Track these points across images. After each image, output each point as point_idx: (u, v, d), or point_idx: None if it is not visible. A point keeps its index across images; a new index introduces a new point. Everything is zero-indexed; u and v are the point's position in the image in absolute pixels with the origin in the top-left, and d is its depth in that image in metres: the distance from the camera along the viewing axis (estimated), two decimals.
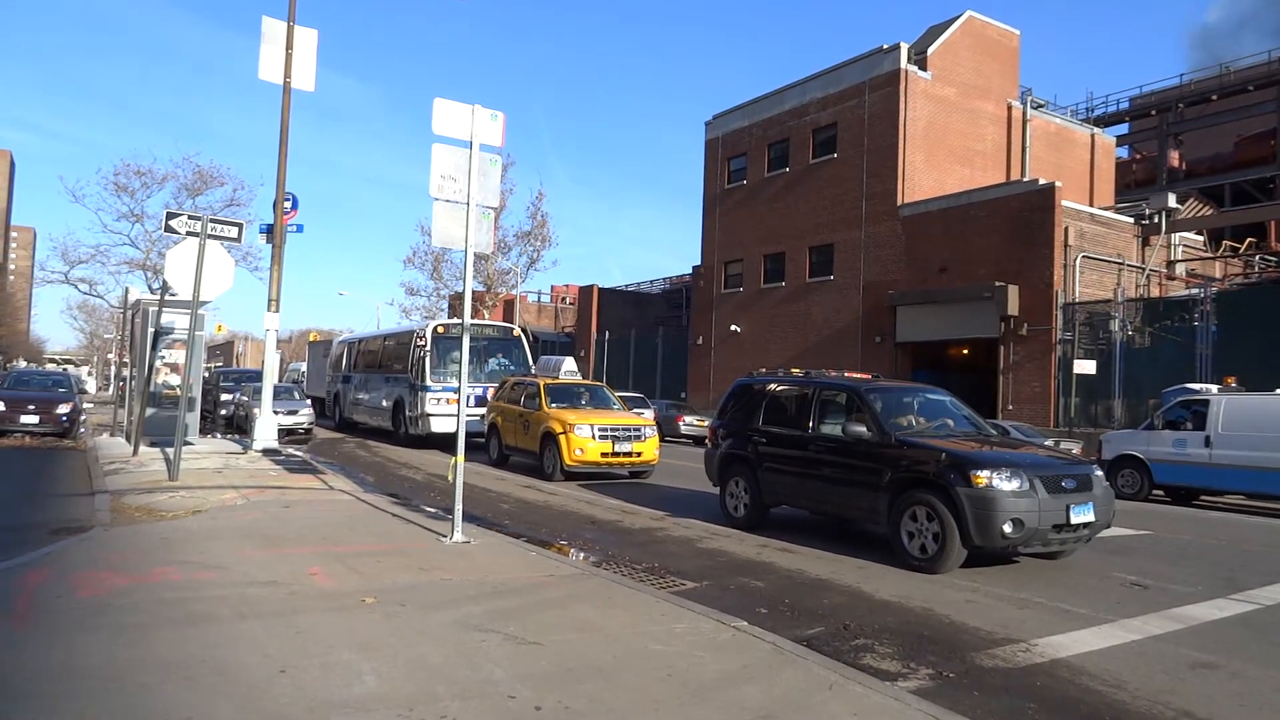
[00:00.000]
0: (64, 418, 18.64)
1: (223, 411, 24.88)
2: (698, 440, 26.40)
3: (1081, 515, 7.82)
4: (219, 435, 20.57)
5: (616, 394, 18.55)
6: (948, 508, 7.74)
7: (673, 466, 17.58)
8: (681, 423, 28.60)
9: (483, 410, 18.33)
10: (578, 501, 12.51)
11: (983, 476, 7.61)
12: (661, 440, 17.21)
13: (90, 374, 73.86)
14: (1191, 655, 5.63)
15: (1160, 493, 15.77)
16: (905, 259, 28.56)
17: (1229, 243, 32.36)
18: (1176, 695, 4.85)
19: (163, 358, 15.74)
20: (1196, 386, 17.07)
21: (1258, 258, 31.77)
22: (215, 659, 4.41)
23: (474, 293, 37.92)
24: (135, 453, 13.97)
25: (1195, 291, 23.62)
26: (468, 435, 8.67)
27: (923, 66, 29.85)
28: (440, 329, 20.89)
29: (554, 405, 15.73)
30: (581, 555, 8.52)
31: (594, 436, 14.74)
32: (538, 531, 9.77)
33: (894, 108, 29.27)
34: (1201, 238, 30.99)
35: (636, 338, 42.89)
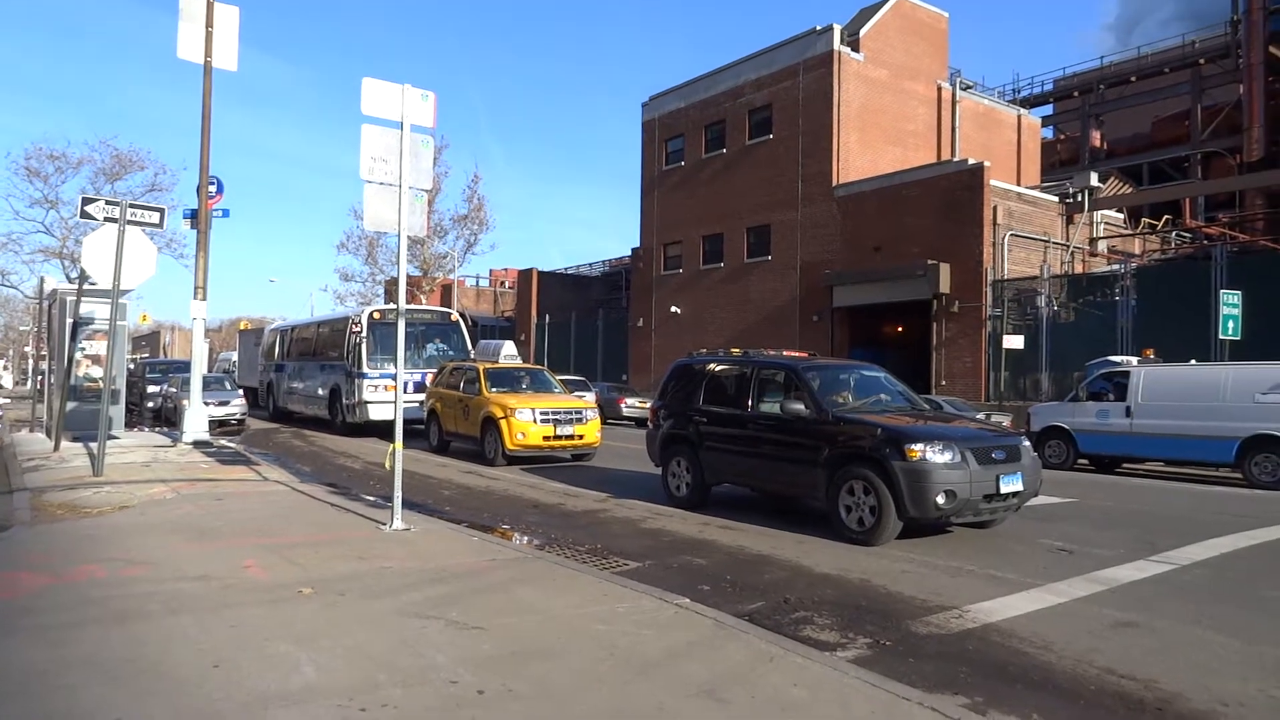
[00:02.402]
0: None
1: (150, 404, 24.09)
2: (640, 422, 26.46)
3: (1011, 485, 8.08)
4: (146, 429, 19.90)
5: (557, 377, 18.49)
6: (883, 481, 7.92)
7: (615, 448, 17.62)
8: (623, 405, 28.65)
9: (421, 396, 18.09)
10: (520, 486, 12.45)
11: (916, 450, 7.80)
12: (604, 422, 17.22)
13: (5, 368, 70.69)
14: (1113, 615, 5.88)
15: (1085, 462, 16.38)
16: (841, 238, 28.99)
17: (1147, 220, 33.64)
18: (1099, 654, 5.06)
19: (83, 349, 15.13)
20: (1117, 359, 17.73)
21: (1174, 234, 33.10)
22: (145, 657, 4.28)
23: (410, 277, 37.34)
24: (56, 448, 13.43)
25: (1116, 268, 24.51)
26: (407, 422, 8.55)
27: (855, 48, 30.21)
28: (376, 315, 20.52)
29: (494, 390, 15.60)
30: (524, 539, 8.49)
31: (535, 420, 14.68)
32: (479, 516, 9.70)
33: (828, 89, 29.58)
34: (1122, 215, 32.15)
35: (577, 321, 42.76)
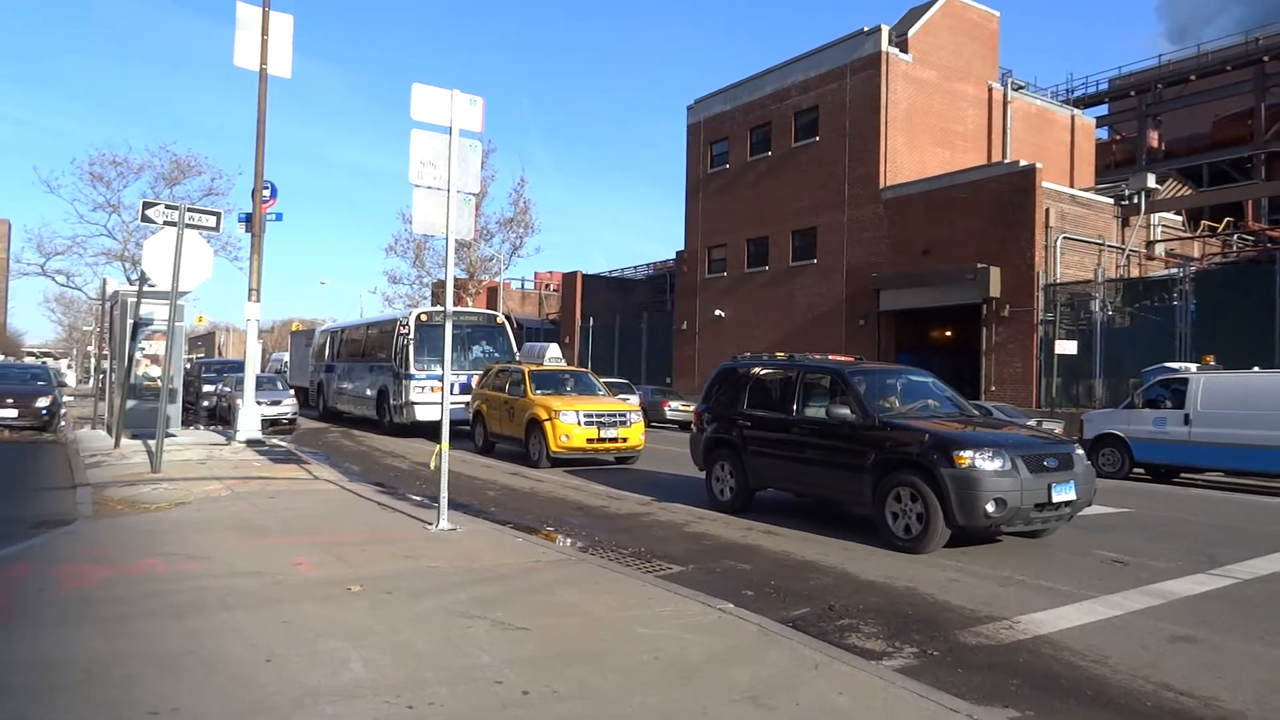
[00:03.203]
0: (43, 411, 18.44)
1: (205, 403, 24.69)
2: (683, 425, 26.45)
3: (1063, 494, 7.90)
4: (202, 427, 20.41)
5: (601, 380, 18.55)
6: (931, 488, 7.80)
7: (659, 451, 17.62)
8: (667, 408, 28.64)
9: (467, 398, 18.28)
10: (564, 488, 12.52)
11: (965, 457, 7.67)
12: (647, 425, 17.23)
13: (70, 367, 73.11)
14: (1171, 629, 5.71)
15: (1140, 471, 15.94)
16: (888, 241, 28.64)
17: (1207, 222, 32.66)
18: (1156, 669, 4.92)
19: (143, 349, 15.56)
20: (1176, 365, 17.23)
21: (1235, 237, 32.10)
22: (201, 650, 4.39)
23: (456, 280, 37.70)
24: (117, 445, 13.84)
25: (1174, 271, 23.83)
26: (452, 423, 8.65)
27: (903, 49, 29.84)
28: (424, 317, 20.79)
29: (539, 392, 15.71)
30: (568, 541, 8.53)
31: (579, 422, 14.74)
32: (524, 518, 9.78)
33: (875, 90, 29.25)
34: (1180, 218, 31.26)
35: (621, 324, 42.84)
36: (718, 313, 35.38)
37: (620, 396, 19.18)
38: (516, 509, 10.51)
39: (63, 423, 19.65)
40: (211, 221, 12.34)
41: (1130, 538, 9.14)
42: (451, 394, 8.62)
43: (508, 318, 23.94)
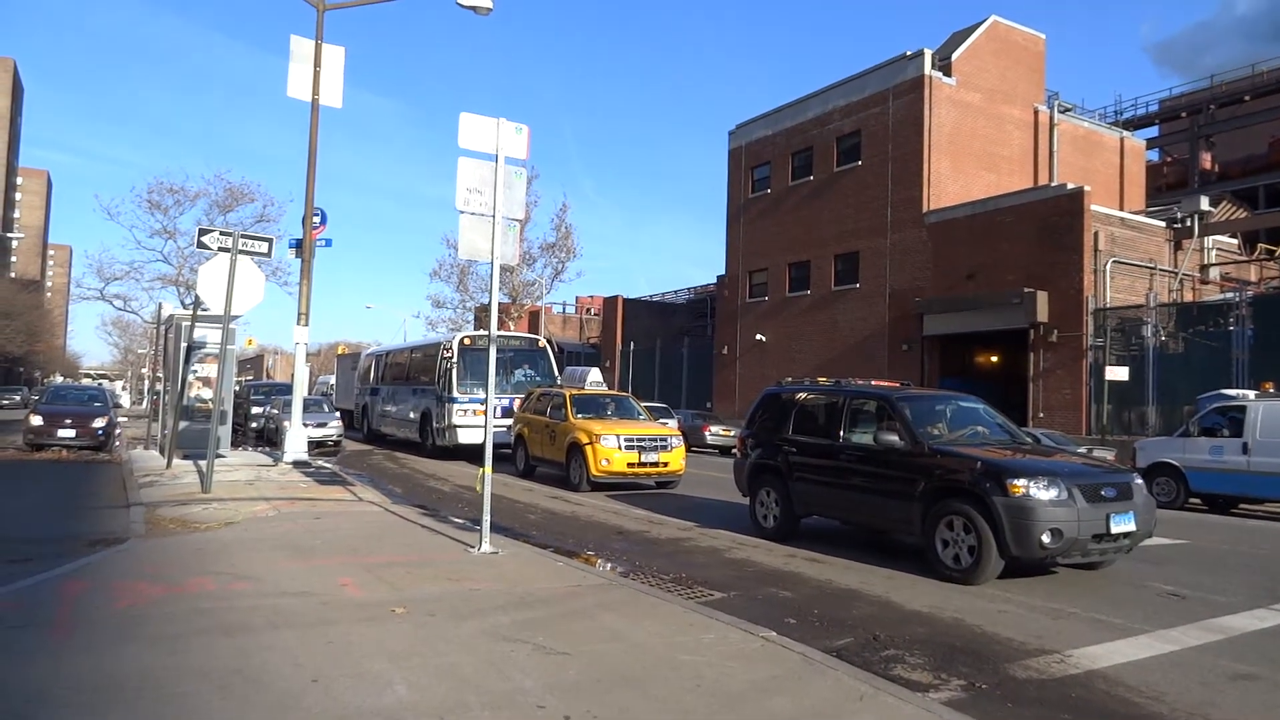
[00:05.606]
0: (100, 431, 18.96)
1: (253, 424, 25.16)
2: (724, 450, 26.32)
3: (1122, 525, 7.69)
4: (250, 448, 20.81)
5: (642, 404, 18.54)
6: (984, 518, 7.63)
7: (699, 476, 17.54)
8: (707, 432, 28.53)
9: (509, 421, 18.40)
10: (604, 512, 12.51)
11: (1020, 485, 7.51)
12: (688, 450, 17.17)
13: (125, 388, 75.09)
14: (1231, 667, 5.52)
15: (1197, 501, 15.48)
16: (932, 266, 28.35)
17: (1264, 245, 31.81)
18: (1216, 707, 4.75)
19: (195, 371, 15.95)
20: (1233, 392, 16.76)
21: None
22: (249, 668, 4.46)
23: (499, 304, 38.14)
24: (169, 465, 14.17)
25: (1230, 295, 23.22)
26: (494, 446, 8.72)
27: (947, 72, 29.69)
28: (466, 341, 21.02)
29: (580, 416, 15.76)
30: (609, 565, 8.51)
31: (620, 447, 14.74)
32: (565, 542, 9.79)
33: (918, 114, 29.11)
34: (1236, 241, 30.50)
35: (662, 348, 42.87)
36: (759, 337, 35.25)
37: (661, 421, 19.13)
38: (558, 533, 10.52)
39: (117, 443, 20.17)
40: (263, 248, 12.63)
41: (1188, 570, 8.87)
42: (494, 417, 8.69)
43: (549, 342, 24.11)
